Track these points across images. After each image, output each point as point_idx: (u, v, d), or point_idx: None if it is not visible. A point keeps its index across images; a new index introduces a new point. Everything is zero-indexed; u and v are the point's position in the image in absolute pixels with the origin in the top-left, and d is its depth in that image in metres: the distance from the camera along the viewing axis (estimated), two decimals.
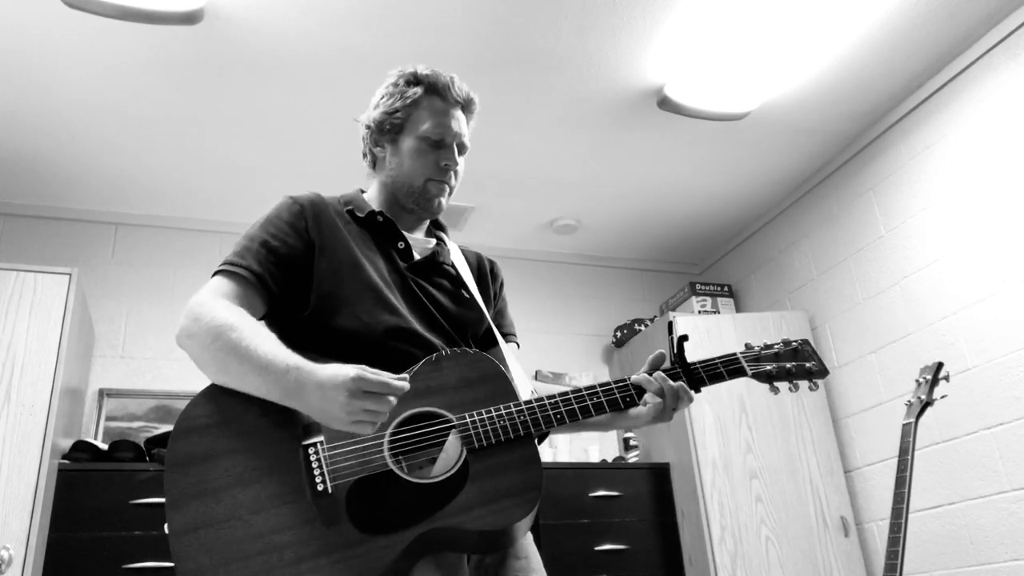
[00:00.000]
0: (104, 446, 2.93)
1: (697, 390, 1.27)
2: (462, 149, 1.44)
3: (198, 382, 3.88)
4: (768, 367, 1.28)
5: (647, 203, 3.95)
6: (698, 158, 3.57)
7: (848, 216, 3.58)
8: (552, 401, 1.21)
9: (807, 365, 1.28)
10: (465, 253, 1.53)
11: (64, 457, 2.80)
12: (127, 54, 2.69)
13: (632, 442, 3.74)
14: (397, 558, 1.06)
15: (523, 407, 1.19)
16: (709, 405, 3.44)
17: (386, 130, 1.43)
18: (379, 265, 1.34)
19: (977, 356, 2.87)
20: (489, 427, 1.16)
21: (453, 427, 1.16)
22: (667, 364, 1.30)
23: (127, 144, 3.19)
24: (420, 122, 1.40)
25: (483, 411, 1.17)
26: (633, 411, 1.28)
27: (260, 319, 1.28)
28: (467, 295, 1.42)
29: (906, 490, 2.13)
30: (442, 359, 1.23)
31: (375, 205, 1.43)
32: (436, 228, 1.53)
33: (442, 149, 1.40)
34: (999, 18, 2.81)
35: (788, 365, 1.28)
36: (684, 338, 1.28)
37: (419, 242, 1.45)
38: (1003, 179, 2.81)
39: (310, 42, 2.70)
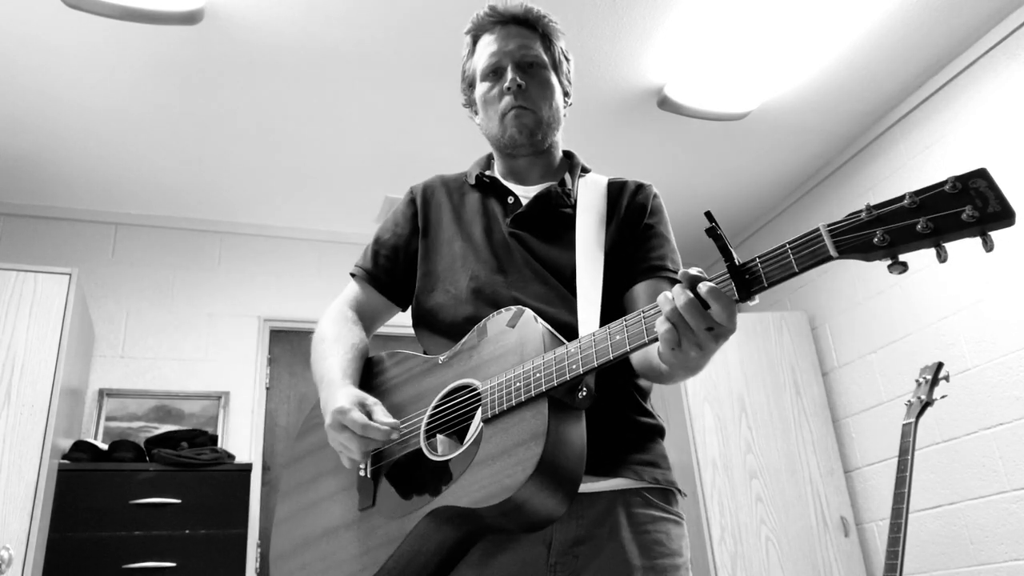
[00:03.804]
0: (104, 446, 2.94)
1: (745, 297, 0.87)
2: (529, 67, 1.29)
3: (198, 383, 3.89)
4: (872, 235, 0.79)
5: None
6: (698, 158, 3.57)
7: None
8: (570, 351, 0.99)
9: (963, 214, 0.76)
10: (611, 185, 1.33)
11: (64, 457, 2.80)
12: (127, 54, 2.69)
13: None
14: (404, 541, 1.01)
15: (539, 363, 1.00)
16: (709, 405, 3.44)
17: (466, 93, 1.39)
18: (477, 230, 1.29)
19: (977, 356, 2.87)
20: (502, 392, 1.02)
21: (479, 396, 1.06)
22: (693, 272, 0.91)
23: (127, 144, 3.19)
24: (479, 65, 1.33)
25: (502, 375, 1.03)
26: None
27: (405, 309, 1.37)
28: (571, 237, 1.25)
29: (906, 490, 2.13)
30: (487, 322, 1.13)
31: (496, 166, 1.39)
32: (576, 167, 1.38)
33: (503, 77, 1.29)
34: (999, 18, 2.81)
35: (920, 224, 0.77)
36: (712, 231, 0.90)
37: (535, 191, 1.32)
38: (1003, 179, 2.81)
39: (310, 42, 2.70)
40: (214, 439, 3.09)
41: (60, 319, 2.73)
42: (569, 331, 1.11)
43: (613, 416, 1.14)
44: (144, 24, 2.53)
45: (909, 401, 2.31)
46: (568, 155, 1.42)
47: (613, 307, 1.19)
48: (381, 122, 3.15)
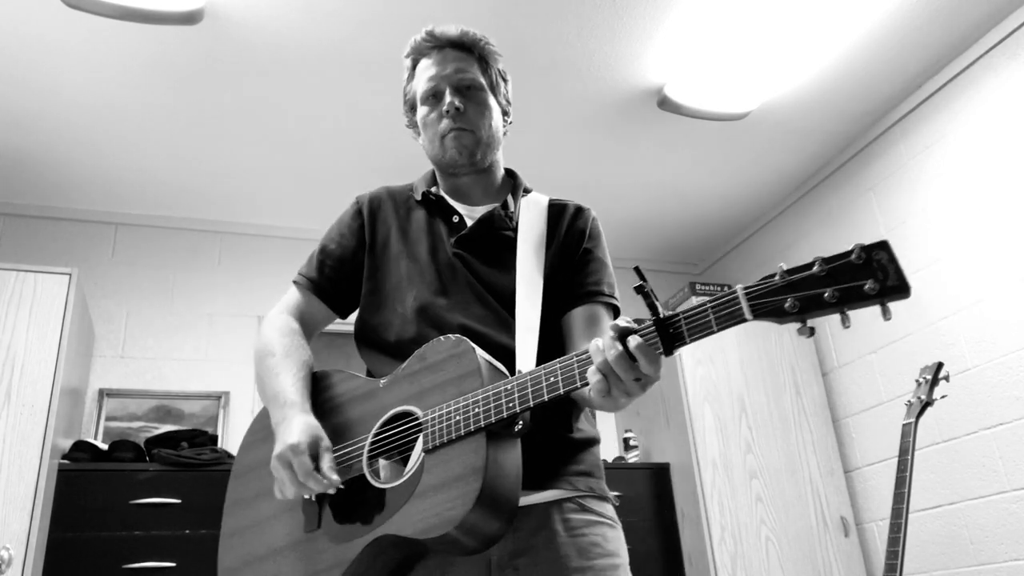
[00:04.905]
0: (104, 446, 2.93)
1: (669, 351, 0.91)
2: (467, 89, 1.32)
3: (198, 383, 3.89)
4: (784, 301, 0.86)
5: (647, 203, 3.95)
6: (698, 158, 3.57)
7: (848, 216, 3.58)
8: (508, 388, 1.02)
9: (865, 287, 0.82)
10: (552, 207, 1.38)
11: (64, 457, 2.80)
12: (127, 54, 2.69)
13: (632, 442, 3.74)
14: (351, 565, 1.05)
15: (479, 398, 1.03)
16: (709, 405, 3.44)
17: (408, 115, 1.42)
18: (422, 248, 1.31)
19: (977, 356, 2.87)
20: (443, 424, 1.05)
21: (420, 426, 1.08)
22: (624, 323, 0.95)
23: (127, 144, 3.19)
24: (418, 89, 1.36)
25: (442, 407, 1.06)
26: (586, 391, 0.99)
27: (345, 317, 1.39)
28: (511, 260, 1.28)
29: (906, 490, 2.13)
30: (427, 348, 1.14)
31: (440, 184, 1.41)
32: (518, 188, 1.41)
33: (442, 100, 1.32)
34: (999, 18, 2.81)
35: (827, 293, 0.84)
36: (641, 288, 0.93)
37: (479, 210, 1.35)
38: (1003, 179, 2.81)
39: (310, 42, 2.70)
40: (214, 439, 3.09)
41: (60, 319, 2.73)
42: (507, 354, 1.16)
43: (547, 435, 1.17)
44: (144, 24, 2.53)
45: (909, 401, 2.31)
46: (511, 174, 1.45)
47: (550, 330, 1.24)
48: (381, 122, 3.15)
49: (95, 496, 2.68)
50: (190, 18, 2.51)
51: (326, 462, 1.08)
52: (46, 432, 2.57)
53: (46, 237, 3.52)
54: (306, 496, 1.12)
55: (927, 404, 2.27)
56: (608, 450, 3.86)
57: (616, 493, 1.28)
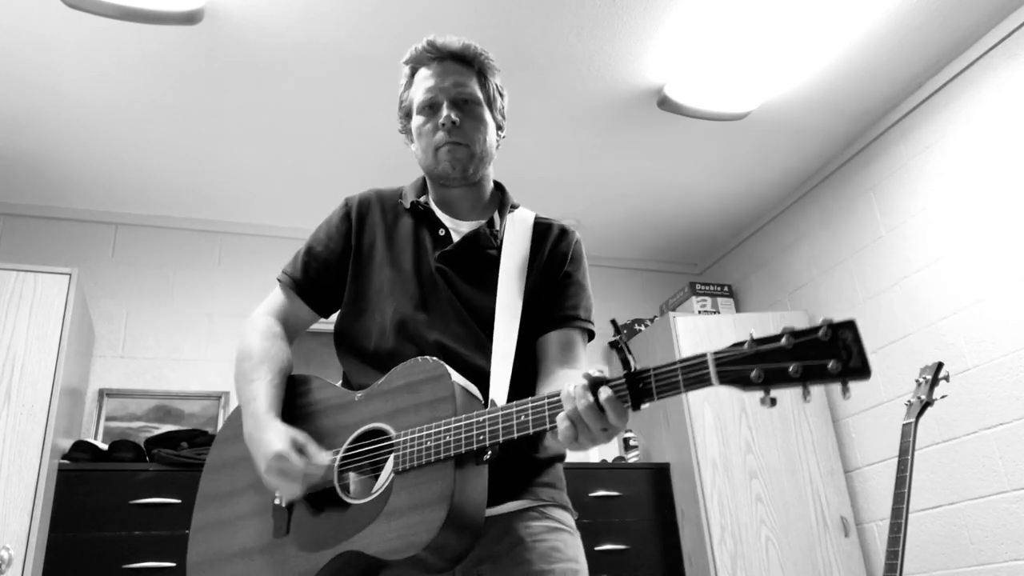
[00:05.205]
0: (104, 446, 2.93)
1: (636, 407, 0.95)
2: (464, 103, 1.33)
3: (198, 383, 3.89)
4: (750, 371, 0.90)
5: (647, 203, 3.95)
6: (698, 158, 3.57)
7: (848, 216, 3.58)
8: (480, 420, 1.05)
9: (828, 365, 0.84)
10: (537, 226, 1.38)
11: (64, 457, 2.80)
12: (127, 54, 2.69)
13: (632, 442, 3.74)
14: (317, 574, 1.07)
15: (451, 426, 1.05)
16: (709, 405, 3.44)
17: (402, 121, 1.42)
18: (407, 258, 1.32)
19: (977, 356, 2.87)
20: (415, 448, 1.07)
21: (392, 446, 1.10)
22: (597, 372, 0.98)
23: (127, 144, 3.19)
24: (416, 98, 1.36)
25: (415, 430, 1.08)
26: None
27: (328, 317, 1.41)
28: (493, 280, 1.29)
29: (906, 490, 2.13)
30: (405, 368, 1.16)
31: (430, 192, 1.41)
32: (506, 204, 1.41)
33: (438, 112, 1.32)
34: (999, 18, 2.81)
35: (791, 367, 0.87)
36: (615, 343, 0.98)
37: (466, 225, 1.36)
38: (1003, 179, 2.81)
39: (310, 42, 2.70)
40: (214, 439, 3.09)
41: (60, 319, 2.73)
42: (481, 376, 1.18)
43: (514, 455, 1.18)
44: (144, 24, 2.53)
45: (909, 401, 2.31)
46: (500, 188, 1.45)
47: (526, 354, 1.26)
48: (381, 122, 3.15)
49: (95, 496, 2.68)
50: (190, 18, 2.51)
51: (312, 451, 1.12)
52: (46, 432, 2.57)
53: (46, 237, 3.53)
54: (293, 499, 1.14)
55: (927, 404, 2.27)
56: (608, 450, 3.85)
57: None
